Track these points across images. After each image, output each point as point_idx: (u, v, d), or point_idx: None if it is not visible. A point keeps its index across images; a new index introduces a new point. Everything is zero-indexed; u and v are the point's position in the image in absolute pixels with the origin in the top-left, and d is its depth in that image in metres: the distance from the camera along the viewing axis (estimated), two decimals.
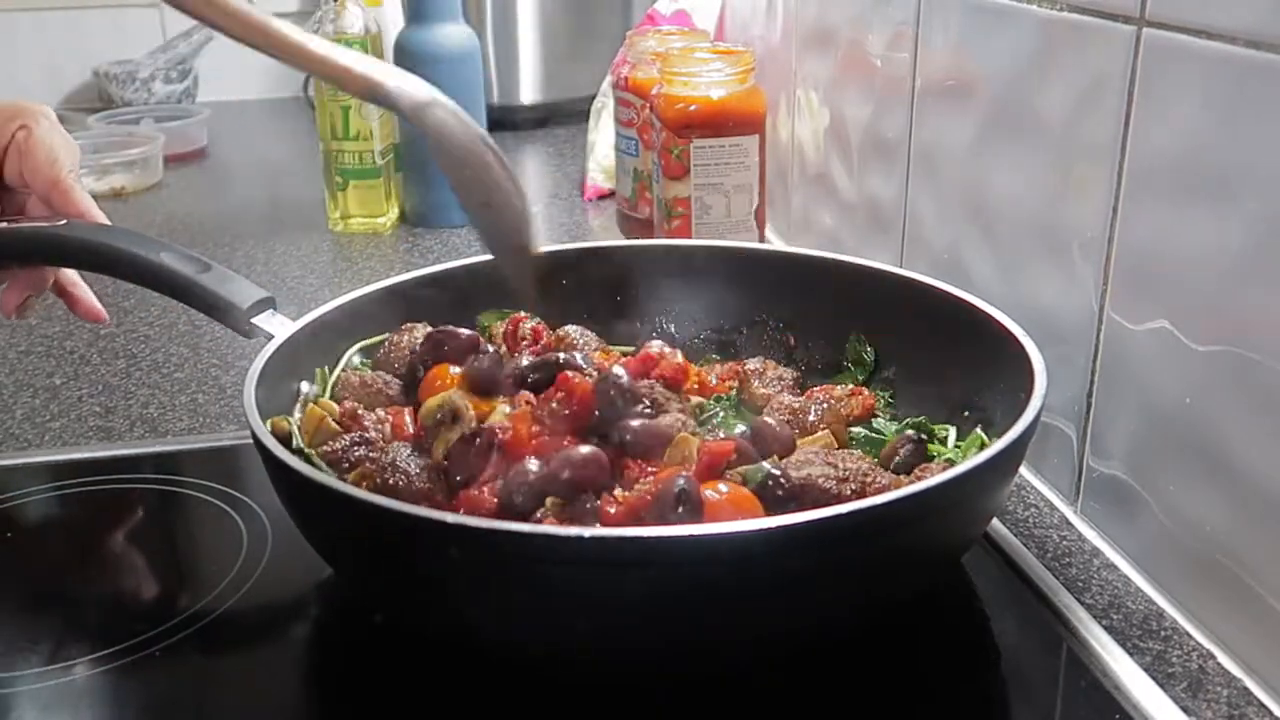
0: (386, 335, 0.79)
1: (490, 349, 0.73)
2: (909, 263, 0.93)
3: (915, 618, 0.63)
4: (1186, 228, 0.60)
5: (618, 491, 0.60)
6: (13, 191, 0.79)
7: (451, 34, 1.29)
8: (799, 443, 0.69)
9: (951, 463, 0.67)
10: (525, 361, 0.70)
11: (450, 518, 0.52)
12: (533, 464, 0.60)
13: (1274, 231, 0.55)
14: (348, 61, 0.58)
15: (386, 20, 1.41)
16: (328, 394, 0.74)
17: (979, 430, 0.69)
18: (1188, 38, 0.59)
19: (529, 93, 1.78)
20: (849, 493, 0.60)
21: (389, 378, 0.75)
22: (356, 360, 0.78)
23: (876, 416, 0.74)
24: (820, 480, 0.61)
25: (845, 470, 0.61)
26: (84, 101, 1.94)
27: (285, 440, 0.66)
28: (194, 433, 0.87)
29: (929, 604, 0.64)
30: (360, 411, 0.70)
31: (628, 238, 1.21)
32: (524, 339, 0.79)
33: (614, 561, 0.51)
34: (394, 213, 1.35)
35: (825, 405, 0.73)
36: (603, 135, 1.42)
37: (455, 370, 0.70)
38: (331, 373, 0.76)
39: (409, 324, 0.79)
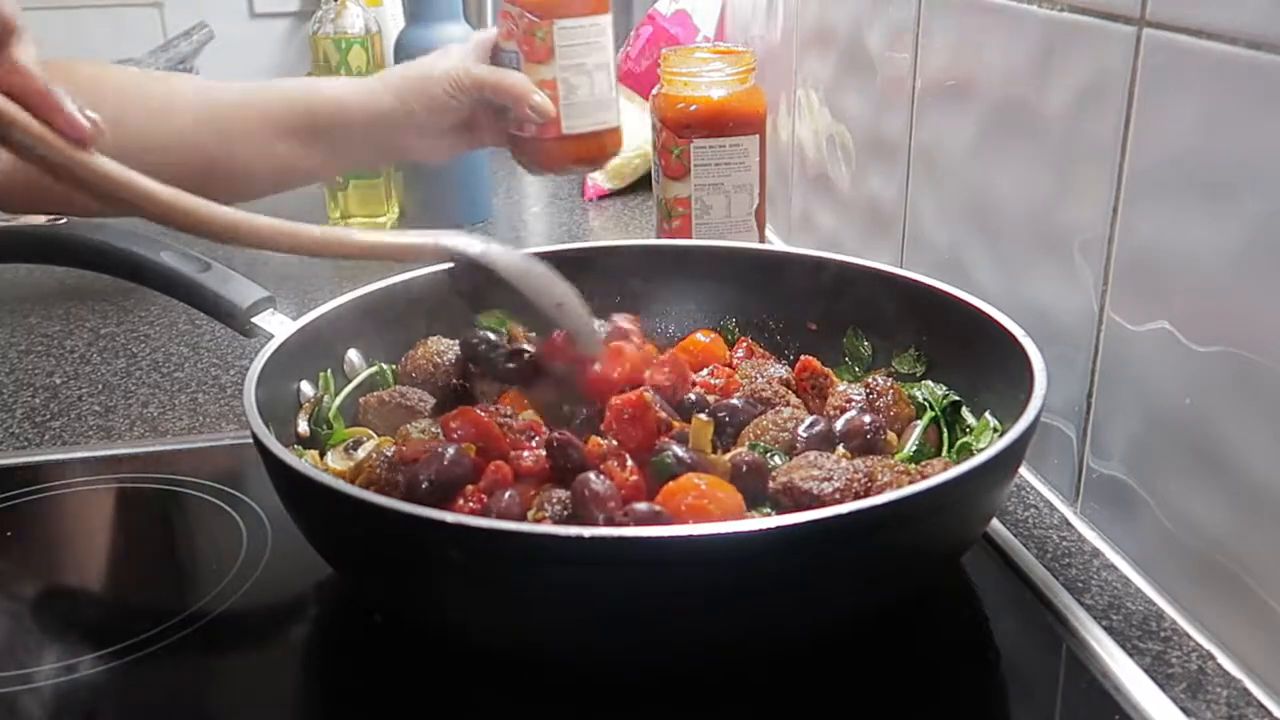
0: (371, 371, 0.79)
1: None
2: (909, 263, 0.93)
3: (915, 618, 0.63)
4: (1186, 228, 0.60)
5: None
6: None
7: (451, 34, 1.29)
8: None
9: (957, 459, 0.67)
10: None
11: (450, 517, 0.52)
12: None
13: (1274, 232, 0.55)
14: (406, 240, 0.72)
15: (386, 20, 1.41)
16: (333, 411, 0.74)
17: (988, 416, 0.70)
18: (1188, 38, 0.59)
19: None
20: (830, 491, 0.60)
21: (420, 393, 0.75)
22: (355, 358, 0.78)
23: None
24: (801, 483, 0.61)
25: (829, 471, 0.61)
26: None
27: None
28: (194, 433, 0.87)
29: (929, 604, 0.64)
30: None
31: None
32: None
33: (614, 561, 0.51)
34: (394, 212, 1.35)
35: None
36: None
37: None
38: (334, 384, 0.76)
39: (424, 336, 0.79)
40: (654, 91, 1.11)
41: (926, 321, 0.77)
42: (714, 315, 0.86)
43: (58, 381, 0.97)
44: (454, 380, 0.76)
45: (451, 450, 0.61)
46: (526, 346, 0.78)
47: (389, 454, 0.65)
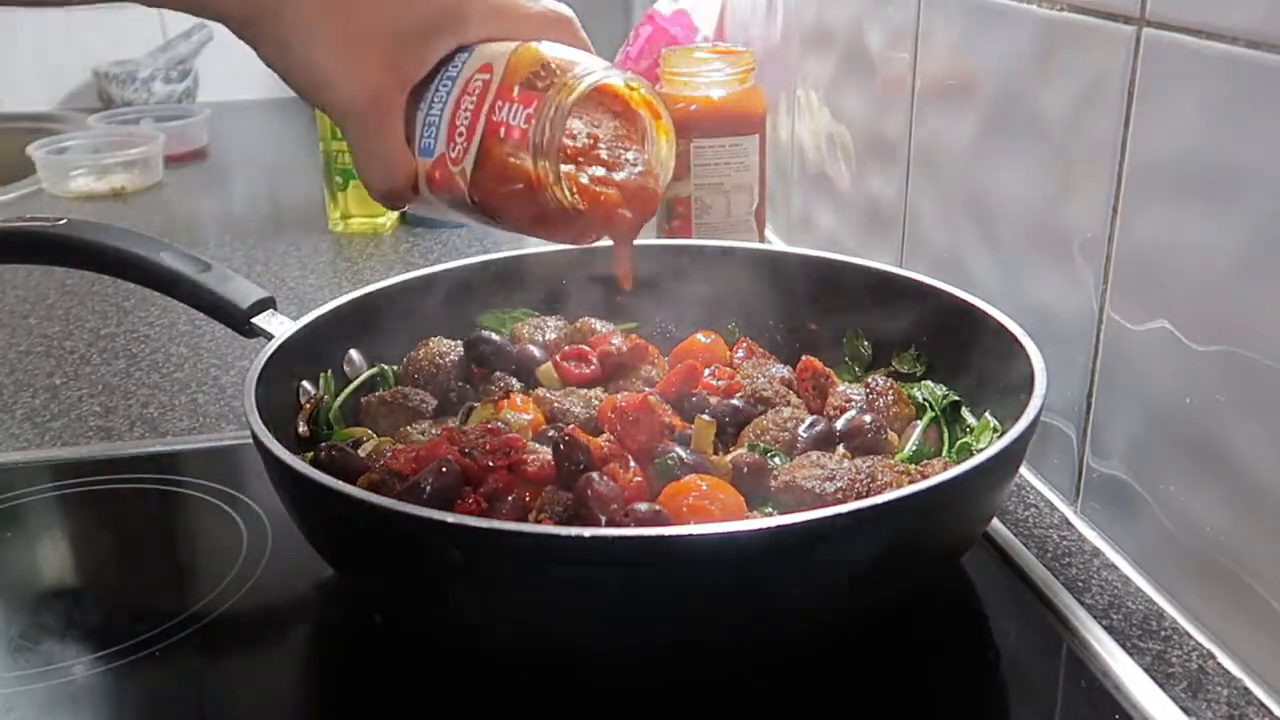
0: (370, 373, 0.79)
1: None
2: (909, 263, 0.93)
3: (915, 618, 0.63)
4: (1186, 228, 0.60)
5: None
6: None
7: None
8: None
9: (957, 459, 0.67)
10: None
11: (450, 518, 0.52)
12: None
13: (1274, 232, 0.55)
14: None
15: None
16: (334, 411, 0.74)
17: (988, 416, 0.70)
18: (1188, 38, 0.59)
19: None
20: (832, 491, 0.60)
21: (421, 394, 0.75)
22: (355, 358, 0.78)
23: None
24: (804, 483, 0.61)
25: (832, 471, 0.61)
26: (84, 101, 1.94)
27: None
28: (194, 433, 0.87)
29: (929, 604, 0.64)
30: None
31: None
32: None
33: (614, 561, 0.51)
34: (394, 213, 1.35)
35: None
36: None
37: None
38: (334, 384, 0.76)
39: (426, 337, 0.79)
40: None
41: (926, 321, 0.77)
42: (714, 315, 0.86)
43: (58, 382, 0.97)
44: (456, 381, 0.76)
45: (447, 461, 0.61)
46: (533, 349, 0.78)
47: (388, 453, 0.65)
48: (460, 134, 0.57)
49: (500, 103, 0.56)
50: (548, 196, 0.56)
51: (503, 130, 0.56)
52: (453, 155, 0.58)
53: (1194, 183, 0.60)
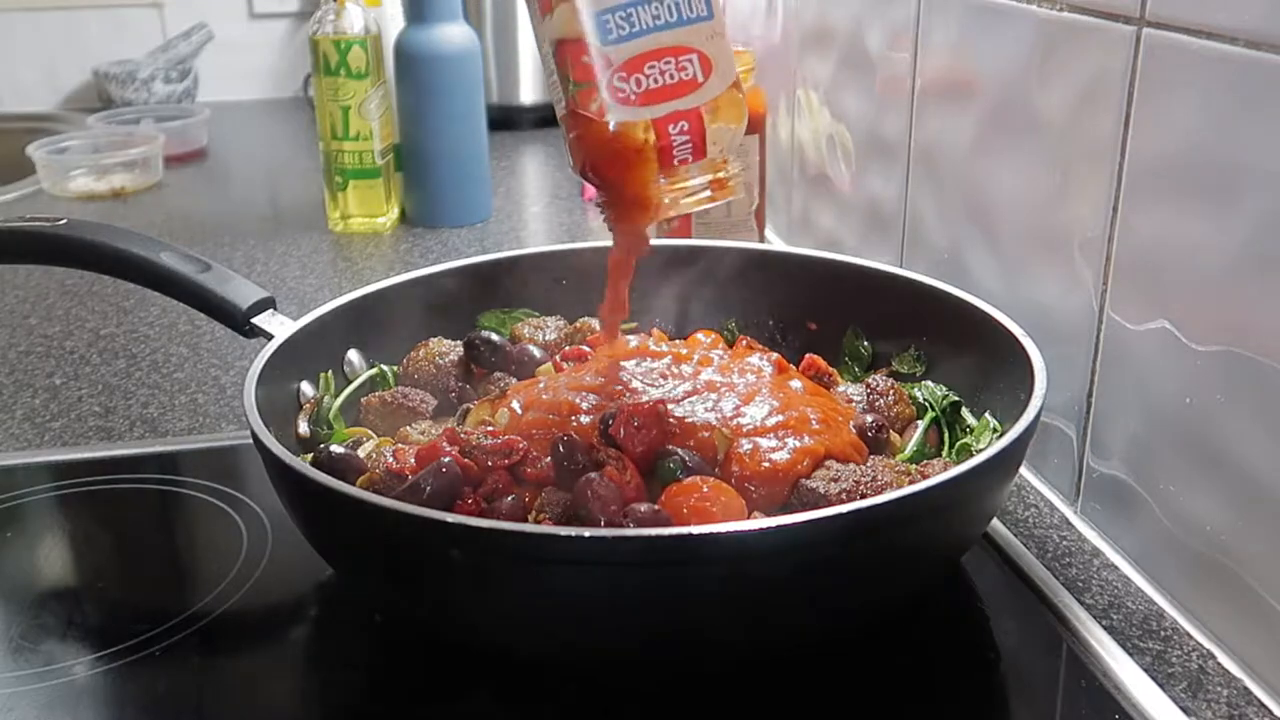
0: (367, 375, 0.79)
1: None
2: (909, 263, 0.93)
3: (915, 618, 0.63)
4: (1186, 228, 0.60)
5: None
6: None
7: (451, 34, 1.29)
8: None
9: (957, 459, 0.67)
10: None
11: (450, 518, 0.52)
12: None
13: (1274, 232, 0.55)
14: None
15: (386, 20, 1.41)
16: (334, 411, 0.74)
17: (988, 416, 0.70)
18: (1188, 38, 0.59)
19: (529, 93, 1.78)
20: (837, 492, 0.60)
21: (421, 394, 0.75)
22: (355, 358, 0.78)
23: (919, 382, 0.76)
24: (809, 483, 0.61)
25: (838, 472, 0.61)
26: (84, 101, 1.94)
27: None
28: (194, 433, 0.87)
29: (929, 604, 0.64)
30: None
31: None
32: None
33: (614, 562, 0.51)
34: (394, 213, 1.35)
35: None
36: None
37: None
38: (334, 385, 0.76)
39: (425, 337, 0.79)
40: None
41: (926, 321, 0.77)
42: (714, 315, 0.86)
43: (58, 382, 0.97)
44: (456, 381, 0.76)
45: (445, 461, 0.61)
46: (533, 349, 0.78)
47: (388, 453, 0.65)
48: (629, 87, 0.50)
49: (684, 124, 0.54)
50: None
51: (662, 145, 0.54)
52: (613, 88, 0.50)
53: (1194, 182, 0.60)
